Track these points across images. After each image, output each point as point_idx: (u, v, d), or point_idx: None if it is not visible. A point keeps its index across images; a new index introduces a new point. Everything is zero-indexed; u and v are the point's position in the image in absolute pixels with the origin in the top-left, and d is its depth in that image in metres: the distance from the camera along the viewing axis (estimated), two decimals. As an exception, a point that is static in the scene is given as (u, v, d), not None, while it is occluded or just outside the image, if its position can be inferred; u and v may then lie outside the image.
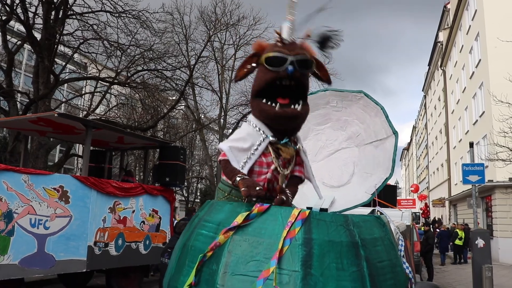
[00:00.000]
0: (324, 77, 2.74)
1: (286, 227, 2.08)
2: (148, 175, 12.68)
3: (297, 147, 2.74)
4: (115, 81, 15.89)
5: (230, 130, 24.13)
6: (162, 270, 6.95)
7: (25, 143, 10.31)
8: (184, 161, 10.63)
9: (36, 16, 13.52)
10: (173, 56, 17.42)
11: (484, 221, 22.16)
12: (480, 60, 23.20)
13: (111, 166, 11.94)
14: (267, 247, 2.05)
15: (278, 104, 2.48)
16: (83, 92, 21.42)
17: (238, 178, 2.44)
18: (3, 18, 12.97)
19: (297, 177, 2.78)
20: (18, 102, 14.69)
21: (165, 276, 2.54)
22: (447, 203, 35.28)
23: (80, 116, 15.99)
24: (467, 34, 26.64)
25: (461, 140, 28.73)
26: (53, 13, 13.35)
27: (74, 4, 13.94)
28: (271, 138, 2.58)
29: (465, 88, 27.54)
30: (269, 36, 19.03)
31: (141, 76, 16.80)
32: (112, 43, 14.71)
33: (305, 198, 3.55)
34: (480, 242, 9.31)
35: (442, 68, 36.43)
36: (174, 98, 19.76)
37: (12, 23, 14.81)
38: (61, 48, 15.28)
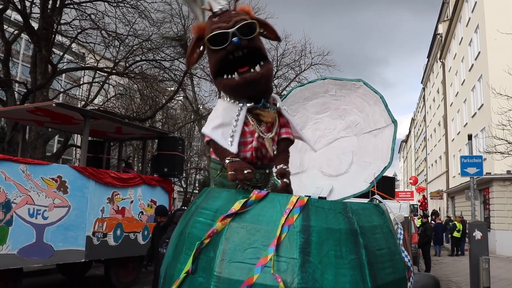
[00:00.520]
0: (272, 34, 2.66)
1: (284, 214, 2.06)
2: (147, 165, 12.67)
3: (277, 107, 2.67)
4: (113, 71, 15.82)
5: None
6: (160, 260, 6.97)
7: (23, 133, 10.29)
8: (183, 152, 10.62)
9: (33, 5, 13.42)
10: (172, 46, 17.31)
11: (481, 213, 22.25)
12: (479, 52, 23.14)
13: (109, 156, 11.91)
14: (265, 234, 2.03)
15: (235, 73, 2.44)
16: (81, 82, 21.33)
17: (227, 161, 2.40)
18: (0, 7, 12.86)
19: (285, 139, 2.70)
20: (15, 92, 14.64)
21: (162, 264, 2.53)
22: (445, 195, 35.40)
23: (78, 106, 15.94)
24: (466, 26, 26.54)
25: (459, 132, 28.74)
26: (50, 2, 13.25)
27: (71, -7, 13.85)
28: (248, 105, 2.53)
29: (464, 80, 27.50)
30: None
31: (140, 67, 16.74)
32: (110, 33, 14.62)
33: (303, 186, 3.54)
34: (477, 234, 9.34)
35: (441, 60, 36.35)
36: (172, 88, 19.66)
37: (9, 12, 14.70)
38: (58, 37, 15.19)
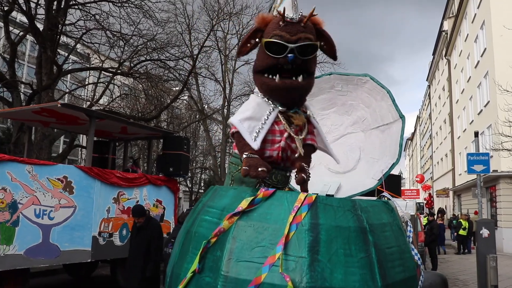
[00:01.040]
0: (330, 52, 2.67)
1: (292, 212, 2.03)
2: (152, 165, 12.66)
3: (307, 114, 2.69)
4: (118, 71, 15.84)
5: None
6: (166, 260, 6.95)
7: (29, 134, 10.32)
8: (188, 151, 10.60)
9: (38, 7, 13.45)
10: (176, 46, 17.32)
11: (488, 211, 22.09)
12: (485, 49, 22.97)
13: (115, 156, 11.92)
14: (273, 233, 2.00)
15: (277, 76, 2.43)
16: (86, 82, 21.38)
17: (244, 155, 2.39)
18: (5, 8, 12.90)
19: (309, 145, 2.73)
20: (21, 93, 14.66)
21: (169, 264, 2.50)
22: (451, 193, 35.21)
23: (84, 106, 15.98)
24: (472, 22, 26.35)
25: (465, 130, 28.56)
26: (55, 3, 13.27)
27: (76, -6, 13.87)
28: (280, 108, 2.54)
29: (470, 77, 27.31)
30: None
31: (144, 66, 16.74)
32: (115, 33, 14.63)
33: (309, 183, 3.50)
34: (484, 232, 9.27)
35: (446, 57, 36.13)
36: (177, 88, 19.66)
37: (14, 13, 14.74)
38: (63, 38, 15.22)
